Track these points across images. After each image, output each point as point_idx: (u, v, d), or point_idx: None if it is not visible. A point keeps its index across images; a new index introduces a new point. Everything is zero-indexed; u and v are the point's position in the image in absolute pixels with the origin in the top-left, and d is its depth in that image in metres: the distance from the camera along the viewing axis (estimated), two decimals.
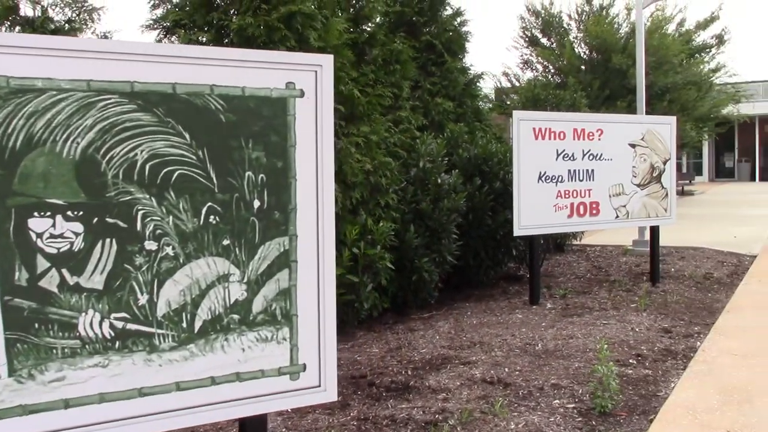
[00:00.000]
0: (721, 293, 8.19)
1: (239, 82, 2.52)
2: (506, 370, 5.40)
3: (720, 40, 21.71)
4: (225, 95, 2.50)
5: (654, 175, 8.42)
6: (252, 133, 2.55)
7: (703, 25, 21.32)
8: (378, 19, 9.97)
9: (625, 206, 8.19)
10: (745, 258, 10.75)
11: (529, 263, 7.84)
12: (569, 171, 7.75)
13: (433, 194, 7.51)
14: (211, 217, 2.48)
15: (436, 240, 7.48)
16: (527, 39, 19.00)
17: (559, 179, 7.67)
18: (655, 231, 8.66)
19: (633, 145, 8.24)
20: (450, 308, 7.73)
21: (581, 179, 7.83)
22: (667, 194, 8.54)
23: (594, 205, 7.93)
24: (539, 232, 7.64)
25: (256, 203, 2.57)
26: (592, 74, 16.94)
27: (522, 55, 18.98)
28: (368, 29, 8.72)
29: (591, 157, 7.90)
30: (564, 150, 7.70)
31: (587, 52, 17.84)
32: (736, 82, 24.92)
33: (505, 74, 18.20)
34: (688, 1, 27.50)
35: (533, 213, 7.48)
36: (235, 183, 2.53)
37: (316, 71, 2.64)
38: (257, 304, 2.58)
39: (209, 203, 2.47)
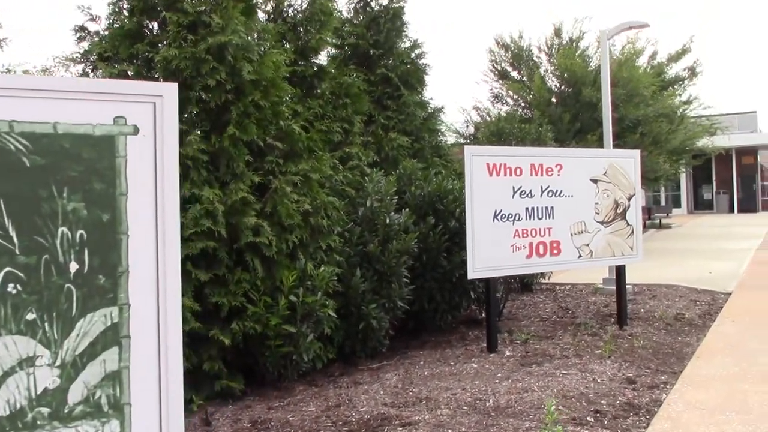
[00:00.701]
0: (692, 336, 7.72)
1: (49, 116, 2.03)
2: None
3: (692, 72, 21.59)
4: (30, 133, 2.01)
5: (618, 211, 7.99)
6: (68, 180, 2.06)
7: (675, 58, 21.21)
8: (331, 52, 9.61)
9: (588, 245, 7.75)
10: (719, 296, 10.31)
11: (485, 309, 7.34)
12: (527, 209, 7.31)
13: (381, 235, 7.03)
14: (10, 285, 1.98)
15: (386, 284, 6.98)
16: (497, 72, 18.74)
17: (517, 218, 7.22)
18: (621, 271, 8.21)
19: (595, 181, 7.83)
20: (402, 357, 7.20)
21: (540, 217, 7.39)
22: (632, 231, 8.11)
23: (555, 245, 7.48)
24: (496, 275, 7.15)
25: (74, 266, 2.07)
26: (563, 107, 16.63)
27: (492, 89, 18.74)
28: (317, 62, 8.32)
29: (550, 193, 7.47)
30: (521, 187, 7.26)
31: (558, 85, 17.58)
32: (711, 115, 24.79)
33: (476, 108, 17.84)
34: (660, 33, 27.34)
35: (489, 254, 7.02)
36: (44, 242, 2.03)
37: (154, 103, 2.17)
38: (75, 393, 2.07)
39: (7, 268, 1.97)
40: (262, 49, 6.64)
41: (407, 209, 7.47)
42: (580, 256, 7.69)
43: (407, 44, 10.02)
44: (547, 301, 10.14)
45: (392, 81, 9.50)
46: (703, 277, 12.17)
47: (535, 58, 18.28)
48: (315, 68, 7.97)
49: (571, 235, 7.62)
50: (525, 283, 10.82)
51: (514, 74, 18.49)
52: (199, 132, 6.14)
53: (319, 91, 8.05)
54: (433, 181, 7.87)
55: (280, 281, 6.11)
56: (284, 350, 6.06)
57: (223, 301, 5.85)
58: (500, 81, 18.43)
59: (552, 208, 7.47)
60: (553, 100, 17.67)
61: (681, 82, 21.29)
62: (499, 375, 6.29)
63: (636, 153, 8.31)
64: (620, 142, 16.78)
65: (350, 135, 8.15)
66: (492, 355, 7.02)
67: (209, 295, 5.85)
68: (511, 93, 18.02)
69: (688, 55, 21.14)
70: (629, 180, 8.09)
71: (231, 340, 5.85)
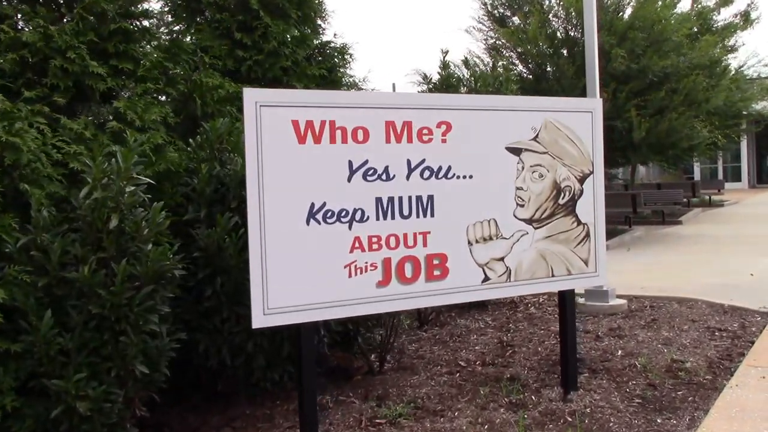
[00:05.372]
0: (684, 415, 4.50)
1: None
2: None
3: (746, 18, 17.65)
4: None
5: (561, 201, 4.76)
6: None
7: (724, 2, 17.29)
8: None
9: (502, 259, 4.55)
10: (753, 318, 6.96)
11: (298, 379, 4.23)
12: (379, 201, 4.16)
13: (112, 249, 3.99)
14: None
15: (112, 337, 3.95)
16: (494, 18, 15.26)
17: (358, 216, 4.08)
18: (565, 300, 4.97)
19: (517, 150, 4.61)
20: None
21: (406, 214, 4.23)
22: (587, 234, 4.86)
23: (436, 261, 4.32)
24: (312, 319, 4.03)
25: None
26: (569, 58, 13.17)
27: (486, 39, 15.27)
28: None
29: (427, 173, 4.30)
30: (366, 162, 4.11)
31: (564, 31, 14.05)
32: None
33: (467, 62, 14.29)
34: None
35: (298, 281, 3.93)
36: None
37: None
38: None
39: None
40: None
41: (159, 202, 4.41)
42: (486, 278, 4.50)
43: None
44: (490, 328, 6.94)
45: (250, 4, 6.38)
46: (740, 284, 8.80)
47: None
48: None
49: (470, 243, 4.44)
50: None
51: (515, 20, 14.96)
52: None
53: (73, 12, 5.03)
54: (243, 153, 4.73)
55: None
56: None
57: None
58: (496, 28, 14.92)
59: (431, 198, 4.31)
60: (564, 52, 14.16)
61: (732, 31, 17.37)
62: None
63: (595, 103, 5.02)
64: (640, 100, 13.24)
65: (132, 79, 5.11)
66: None
67: None
68: (508, 43, 14.53)
69: None
70: (582, 148, 4.84)
71: None
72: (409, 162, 4.25)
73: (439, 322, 7.06)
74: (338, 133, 4.04)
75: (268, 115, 3.85)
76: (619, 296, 7.89)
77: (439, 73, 8.20)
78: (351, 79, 7.44)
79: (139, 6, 5.30)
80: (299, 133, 3.94)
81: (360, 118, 4.10)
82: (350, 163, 4.07)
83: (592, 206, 4.89)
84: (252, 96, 3.83)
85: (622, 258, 11.87)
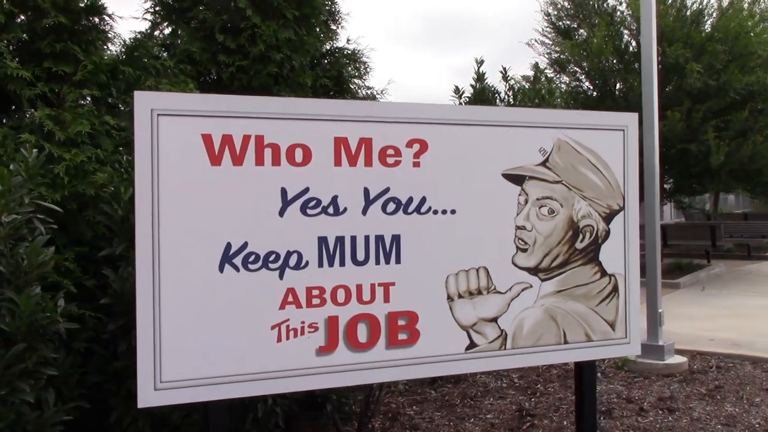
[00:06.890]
0: None
1: None
2: None
3: None
4: None
5: (579, 244, 3.65)
6: None
7: None
8: None
9: (495, 320, 3.47)
10: None
11: None
12: (323, 241, 3.17)
13: None
14: None
15: None
16: (558, 31, 14.00)
17: (292, 262, 3.11)
18: (584, 374, 3.82)
19: (518, 179, 3.54)
20: None
21: (361, 260, 3.22)
22: (614, 288, 3.73)
23: (401, 322, 3.29)
24: (221, 396, 3.05)
25: None
26: (640, 73, 11.80)
27: (550, 53, 14.00)
28: None
29: (392, 206, 3.29)
30: (306, 190, 3.14)
31: (636, 43, 12.70)
32: None
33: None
34: None
35: (206, 346, 2.98)
36: None
37: None
38: None
39: None
40: None
41: (107, 232, 3.54)
42: (472, 344, 3.43)
43: None
44: (513, 388, 5.79)
45: (237, 2, 5.54)
46: None
47: (608, 8, 13.38)
48: None
49: (451, 299, 3.39)
50: None
51: (583, 32, 13.67)
52: None
53: None
54: None
55: None
56: None
57: None
58: (562, 42, 13.65)
59: (396, 239, 3.29)
60: (636, 66, 12.81)
61: None
62: None
63: (629, 118, 3.88)
64: (719, 121, 11.76)
65: (66, 88, 4.31)
66: None
67: None
68: (571, 57, 13.26)
69: None
70: (609, 176, 3.72)
71: None
72: (366, 191, 3.24)
73: (454, 377, 5.97)
74: (267, 151, 3.08)
75: (168, 126, 2.93)
76: (679, 351, 6.61)
77: (472, 85, 7.16)
78: (369, 92, 6.53)
79: (85, 1, 4.51)
80: (212, 152, 3.00)
81: (298, 132, 3.13)
82: (283, 192, 3.10)
83: (623, 252, 3.76)
84: (146, 101, 2.92)
85: (694, 299, 10.44)
